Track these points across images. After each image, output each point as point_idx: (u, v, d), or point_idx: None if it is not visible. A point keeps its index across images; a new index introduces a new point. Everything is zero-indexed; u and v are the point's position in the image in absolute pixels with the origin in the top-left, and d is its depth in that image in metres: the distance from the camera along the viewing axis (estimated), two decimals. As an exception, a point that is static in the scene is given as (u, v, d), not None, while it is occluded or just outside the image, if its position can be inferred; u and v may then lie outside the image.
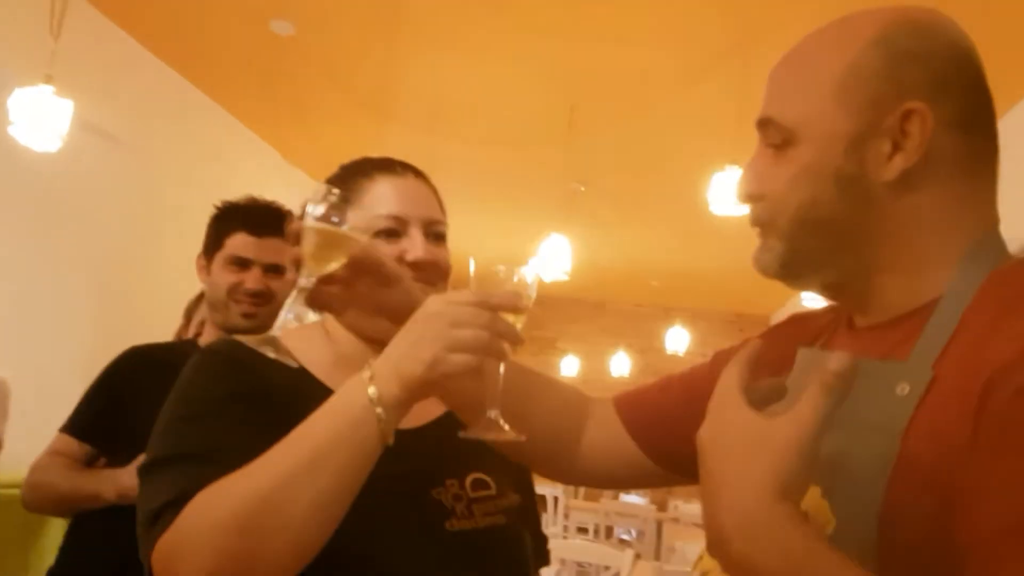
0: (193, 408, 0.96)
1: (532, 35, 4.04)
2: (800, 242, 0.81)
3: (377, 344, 0.90)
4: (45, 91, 3.16)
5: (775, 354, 0.89)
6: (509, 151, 4.94)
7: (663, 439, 0.98)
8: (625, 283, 8.79)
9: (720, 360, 1.02)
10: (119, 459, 1.88)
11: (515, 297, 0.87)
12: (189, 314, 2.77)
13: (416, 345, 0.83)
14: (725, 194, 3.67)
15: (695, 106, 4.34)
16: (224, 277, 1.95)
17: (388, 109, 4.30)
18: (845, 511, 0.71)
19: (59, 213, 4.08)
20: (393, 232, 1.07)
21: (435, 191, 1.14)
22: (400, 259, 1.05)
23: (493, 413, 0.87)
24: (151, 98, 4.54)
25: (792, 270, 0.83)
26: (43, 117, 3.17)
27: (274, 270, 1.97)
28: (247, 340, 0.84)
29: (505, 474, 1.11)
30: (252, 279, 1.94)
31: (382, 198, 1.08)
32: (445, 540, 0.99)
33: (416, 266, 1.05)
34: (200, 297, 2.72)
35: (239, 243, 1.95)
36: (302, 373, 1.02)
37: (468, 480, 1.05)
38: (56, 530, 3.06)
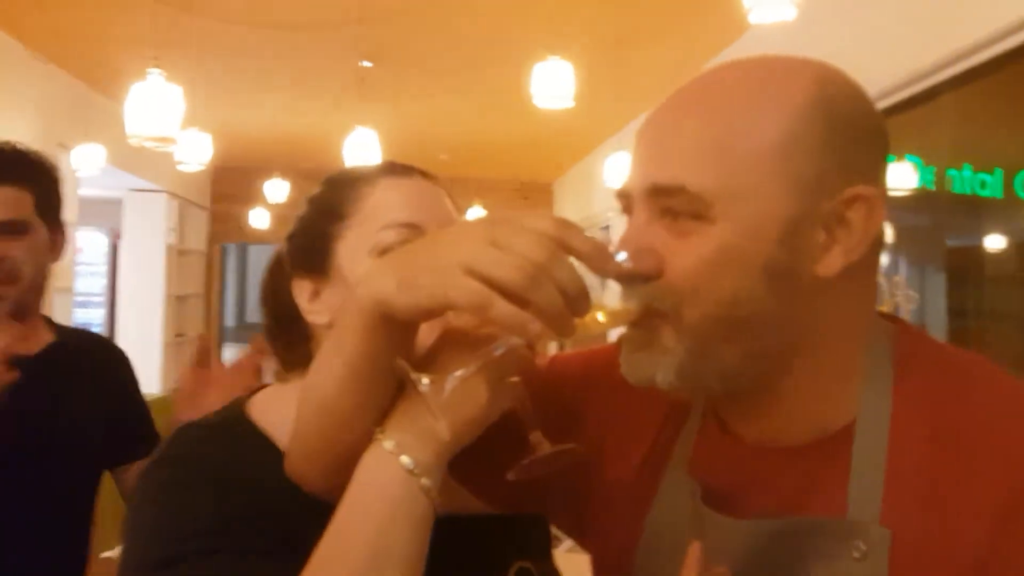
0: (171, 550, 0.75)
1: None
2: (712, 345, 0.65)
3: None
4: None
5: (625, 413, 0.79)
6: (296, 34, 4.59)
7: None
8: (414, 158, 8.61)
9: (557, 370, 0.88)
10: None
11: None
12: None
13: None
14: (548, 87, 3.71)
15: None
16: None
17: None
18: None
19: None
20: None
21: (448, 193, 0.98)
22: None
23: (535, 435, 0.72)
24: None
25: (692, 380, 0.66)
26: None
27: (10, 230, 1.49)
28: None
29: (546, 562, 1.03)
30: None
31: (390, 205, 0.90)
32: None
33: None
34: None
35: None
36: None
37: (512, 571, 0.96)
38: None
